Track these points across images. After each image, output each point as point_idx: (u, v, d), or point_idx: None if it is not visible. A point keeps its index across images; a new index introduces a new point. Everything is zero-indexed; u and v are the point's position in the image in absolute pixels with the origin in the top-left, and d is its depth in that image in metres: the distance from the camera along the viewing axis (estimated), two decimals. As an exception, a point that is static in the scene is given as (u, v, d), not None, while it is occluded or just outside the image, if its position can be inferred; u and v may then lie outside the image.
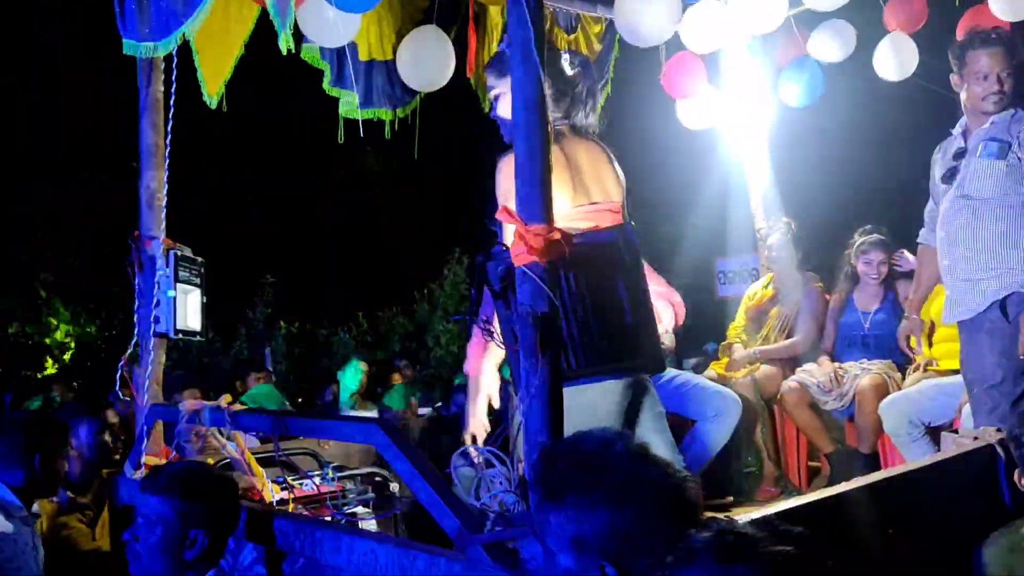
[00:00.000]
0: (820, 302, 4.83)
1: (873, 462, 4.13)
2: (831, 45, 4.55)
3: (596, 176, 2.62)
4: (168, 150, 3.23)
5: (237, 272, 9.59)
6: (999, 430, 2.84)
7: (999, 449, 2.69)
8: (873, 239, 4.62)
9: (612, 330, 2.03)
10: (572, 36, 4.30)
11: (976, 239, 3.32)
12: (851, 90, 4.89)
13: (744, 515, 2.14)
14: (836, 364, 4.55)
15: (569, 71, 2.80)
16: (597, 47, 4.28)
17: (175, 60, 3.14)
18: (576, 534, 1.42)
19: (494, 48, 3.84)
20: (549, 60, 2.86)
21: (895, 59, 4.38)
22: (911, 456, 3.64)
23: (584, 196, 2.53)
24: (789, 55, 4.69)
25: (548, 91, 2.80)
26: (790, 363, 4.77)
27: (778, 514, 2.23)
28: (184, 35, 2.93)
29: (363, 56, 3.67)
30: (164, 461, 2.92)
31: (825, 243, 5.41)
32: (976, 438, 2.77)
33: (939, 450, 3.33)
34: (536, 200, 1.87)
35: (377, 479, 3.06)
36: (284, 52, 2.84)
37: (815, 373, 4.52)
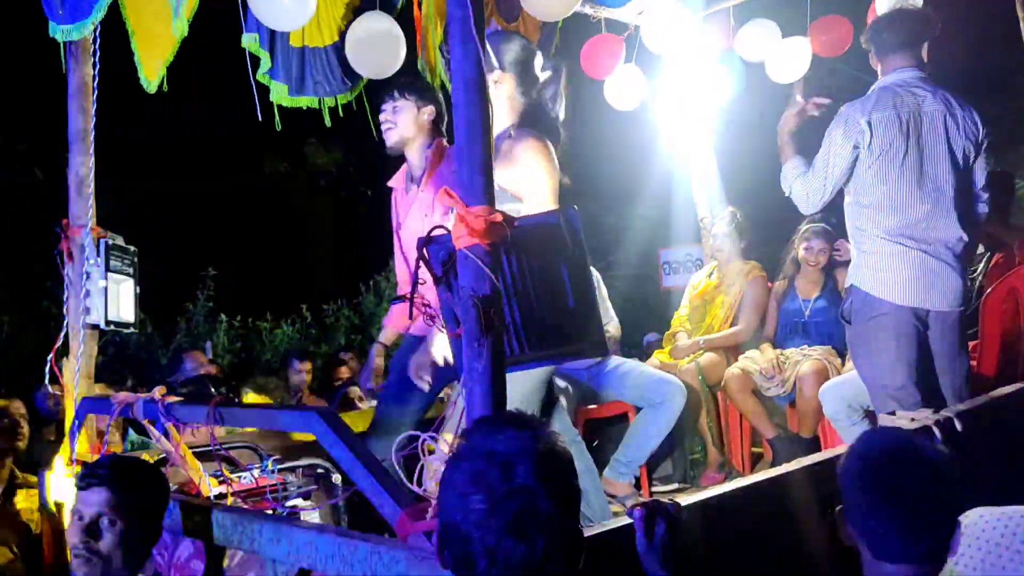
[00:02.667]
0: (762, 291, 4.89)
1: (814, 446, 4.20)
2: (756, 43, 4.68)
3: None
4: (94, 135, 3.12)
5: (177, 264, 9.38)
6: (936, 411, 2.90)
7: (935, 430, 2.75)
8: (816, 227, 4.70)
9: (555, 314, 2.01)
10: (513, 24, 4.28)
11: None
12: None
13: (688, 500, 2.16)
14: (778, 351, 4.62)
15: (538, 72, 2.87)
16: (535, 35, 4.27)
17: (98, 42, 3.04)
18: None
19: (439, 31, 3.80)
20: (522, 57, 2.91)
21: (787, 63, 4.54)
22: (850, 439, 3.70)
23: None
24: (721, 45, 4.78)
25: (516, 88, 2.87)
26: (733, 351, 4.83)
27: (720, 496, 2.25)
28: (97, 21, 2.85)
29: (295, 43, 3.60)
30: (96, 456, 2.83)
31: (769, 233, 5.48)
32: (913, 419, 2.82)
33: (877, 433, 3.39)
34: (477, 182, 1.84)
35: (319, 470, 3.01)
36: (179, 37, 2.79)
37: (757, 360, 4.58)
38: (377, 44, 3.58)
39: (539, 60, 2.96)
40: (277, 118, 3.66)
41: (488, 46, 2.89)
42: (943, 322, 3.23)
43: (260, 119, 3.55)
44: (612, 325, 4.69)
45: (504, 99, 2.90)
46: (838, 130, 3.20)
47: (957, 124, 3.22)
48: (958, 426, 2.76)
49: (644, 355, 5.77)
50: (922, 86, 3.23)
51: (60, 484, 2.91)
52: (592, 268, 3.24)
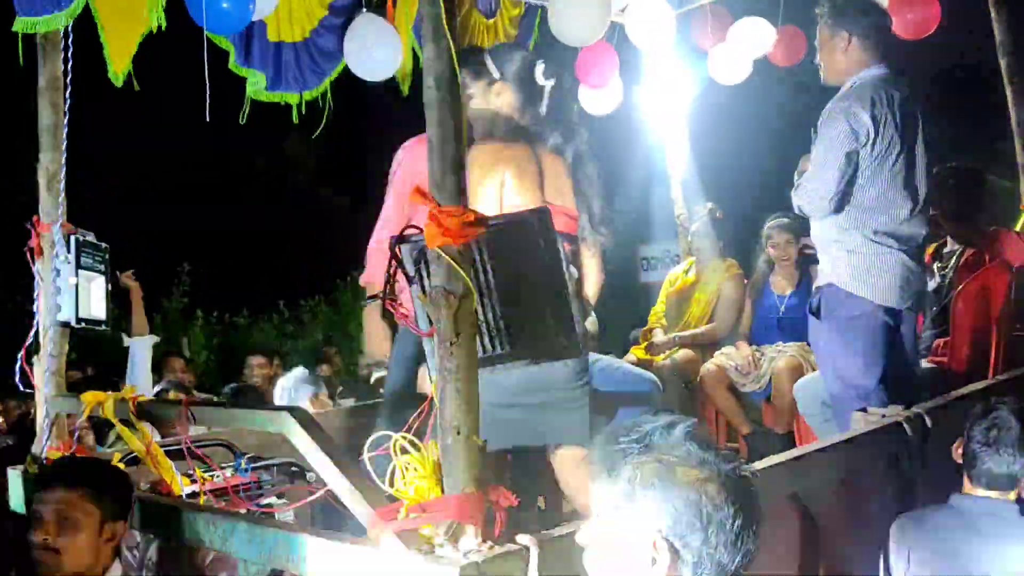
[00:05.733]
0: (739, 288, 4.91)
1: (789, 441, 4.23)
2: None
3: (556, 183, 2.88)
4: (67, 130, 3.07)
5: (152, 260, 9.29)
6: (906, 407, 2.92)
7: (906, 426, 2.78)
8: (777, 223, 4.73)
9: (528, 314, 2.01)
10: (491, 21, 4.27)
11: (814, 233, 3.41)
12: (775, 77, 5.00)
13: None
14: (753, 347, 4.65)
15: (541, 80, 2.88)
16: (513, 32, 4.26)
17: (71, 36, 2.99)
18: (632, 511, 1.38)
19: (410, 29, 3.78)
20: (522, 67, 2.92)
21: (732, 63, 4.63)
22: (824, 435, 3.73)
23: (543, 196, 2.77)
24: (713, 39, 4.79)
25: (517, 97, 2.88)
26: (709, 347, 4.85)
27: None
28: (73, 15, 2.81)
29: (272, 37, 3.57)
30: (66, 454, 2.80)
31: (747, 230, 5.51)
32: (883, 416, 2.85)
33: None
34: (449, 181, 1.84)
35: (293, 468, 2.99)
36: (154, 28, 2.76)
37: (733, 356, 4.61)
38: (377, 47, 3.60)
39: (540, 68, 2.96)
40: (245, 111, 3.63)
41: (487, 57, 2.91)
42: (907, 320, 3.28)
43: (238, 114, 3.55)
44: (589, 321, 4.69)
45: (502, 108, 2.91)
46: (840, 126, 3.11)
47: (927, 123, 3.23)
48: (928, 422, 2.79)
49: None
50: (898, 81, 3.22)
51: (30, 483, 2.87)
52: (571, 265, 3.26)
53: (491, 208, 2.62)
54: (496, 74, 2.93)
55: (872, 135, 3.09)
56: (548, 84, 2.96)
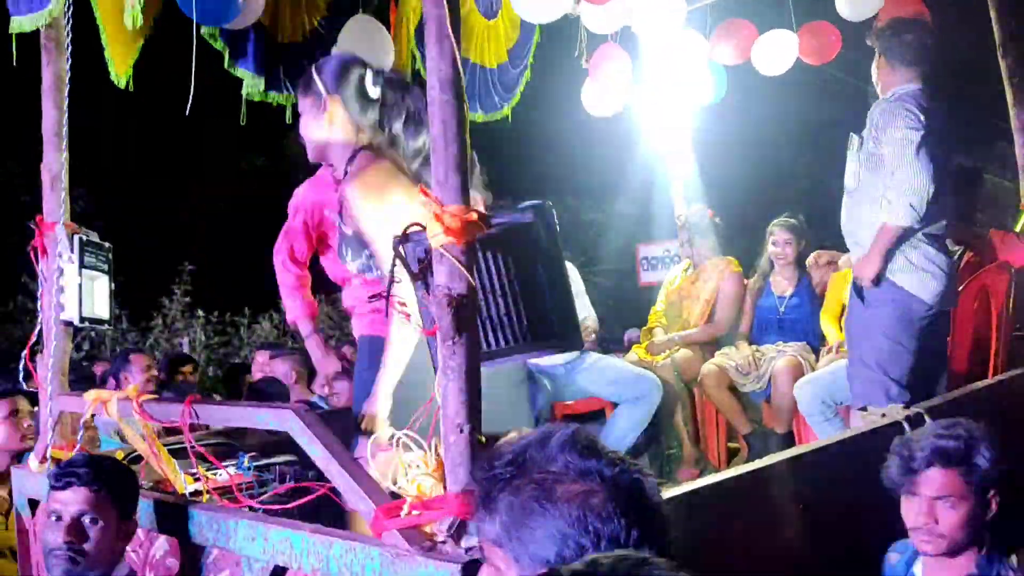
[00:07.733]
0: (738, 287, 4.92)
1: (789, 441, 4.24)
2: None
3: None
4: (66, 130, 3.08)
5: (153, 259, 9.30)
6: (906, 407, 2.94)
7: (906, 425, 2.79)
8: (780, 221, 4.75)
9: (530, 310, 2.02)
10: (492, 22, 4.28)
11: (852, 230, 3.44)
12: (775, 81, 5.01)
13: (664, 495, 2.17)
14: (753, 347, 4.65)
15: (373, 92, 2.67)
16: (515, 33, 4.27)
17: (70, 36, 3.00)
18: (517, 544, 1.21)
19: (412, 30, 3.80)
20: (354, 80, 2.64)
21: (772, 55, 4.59)
22: (824, 434, 3.75)
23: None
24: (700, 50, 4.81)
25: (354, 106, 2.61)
26: (709, 346, 4.86)
27: (697, 491, 2.27)
28: (56, 13, 2.83)
29: (270, 37, 3.59)
30: (71, 453, 2.81)
31: (747, 230, 5.53)
32: (884, 415, 2.86)
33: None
34: (452, 180, 1.85)
35: (296, 467, 3.00)
36: (131, 27, 2.78)
37: (733, 356, 4.62)
38: (369, 48, 3.62)
39: (370, 76, 2.70)
40: (244, 110, 3.64)
41: (312, 73, 2.71)
42: (944, 321, 3.39)
43: (240, 114, 3.56)
44: (590, 319, 4.71)
45: (339, 125, 2.68)
46: (900, 111, 3.22)
47: (958, 138, 3.39)
48: (928, 421, 2.79)
49: (625, 351, 5.81)
50: (932, 98, 3.30)
51: (34, 482, 2.88)
52: (569, 263, 3.26)
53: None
54: (321, 88, 2.69)
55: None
56: (374, 93, 2.68)
